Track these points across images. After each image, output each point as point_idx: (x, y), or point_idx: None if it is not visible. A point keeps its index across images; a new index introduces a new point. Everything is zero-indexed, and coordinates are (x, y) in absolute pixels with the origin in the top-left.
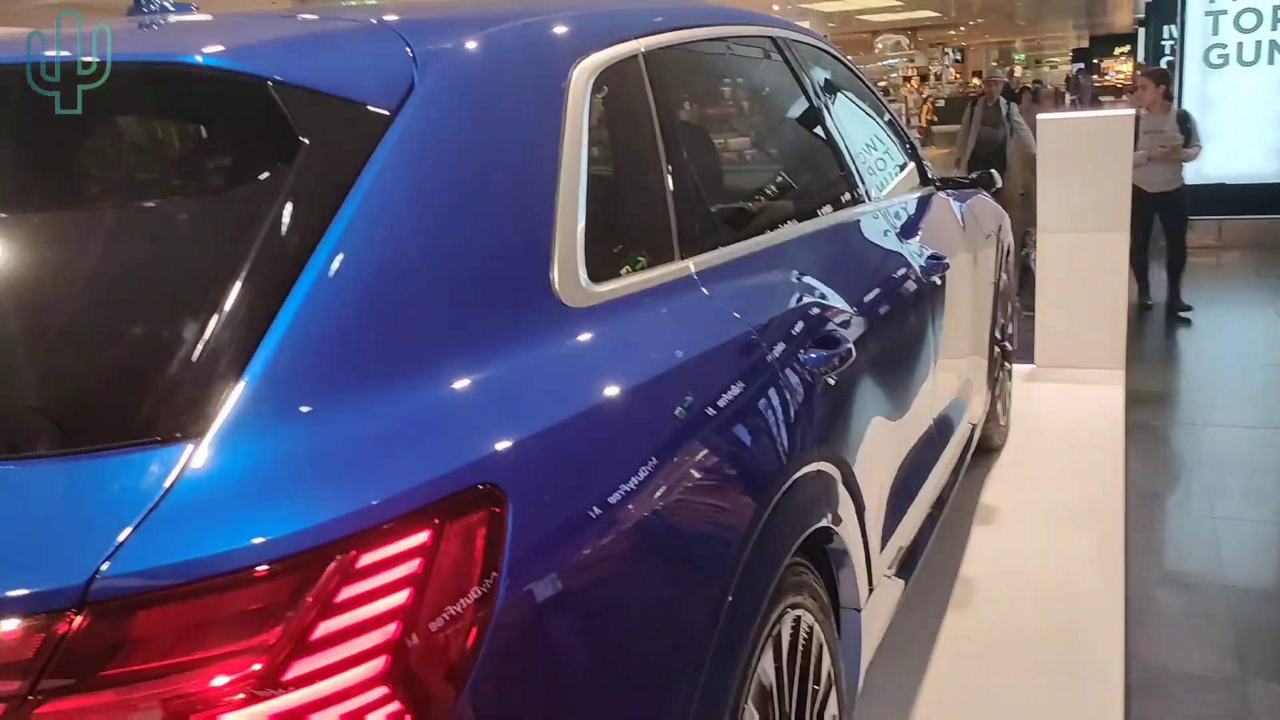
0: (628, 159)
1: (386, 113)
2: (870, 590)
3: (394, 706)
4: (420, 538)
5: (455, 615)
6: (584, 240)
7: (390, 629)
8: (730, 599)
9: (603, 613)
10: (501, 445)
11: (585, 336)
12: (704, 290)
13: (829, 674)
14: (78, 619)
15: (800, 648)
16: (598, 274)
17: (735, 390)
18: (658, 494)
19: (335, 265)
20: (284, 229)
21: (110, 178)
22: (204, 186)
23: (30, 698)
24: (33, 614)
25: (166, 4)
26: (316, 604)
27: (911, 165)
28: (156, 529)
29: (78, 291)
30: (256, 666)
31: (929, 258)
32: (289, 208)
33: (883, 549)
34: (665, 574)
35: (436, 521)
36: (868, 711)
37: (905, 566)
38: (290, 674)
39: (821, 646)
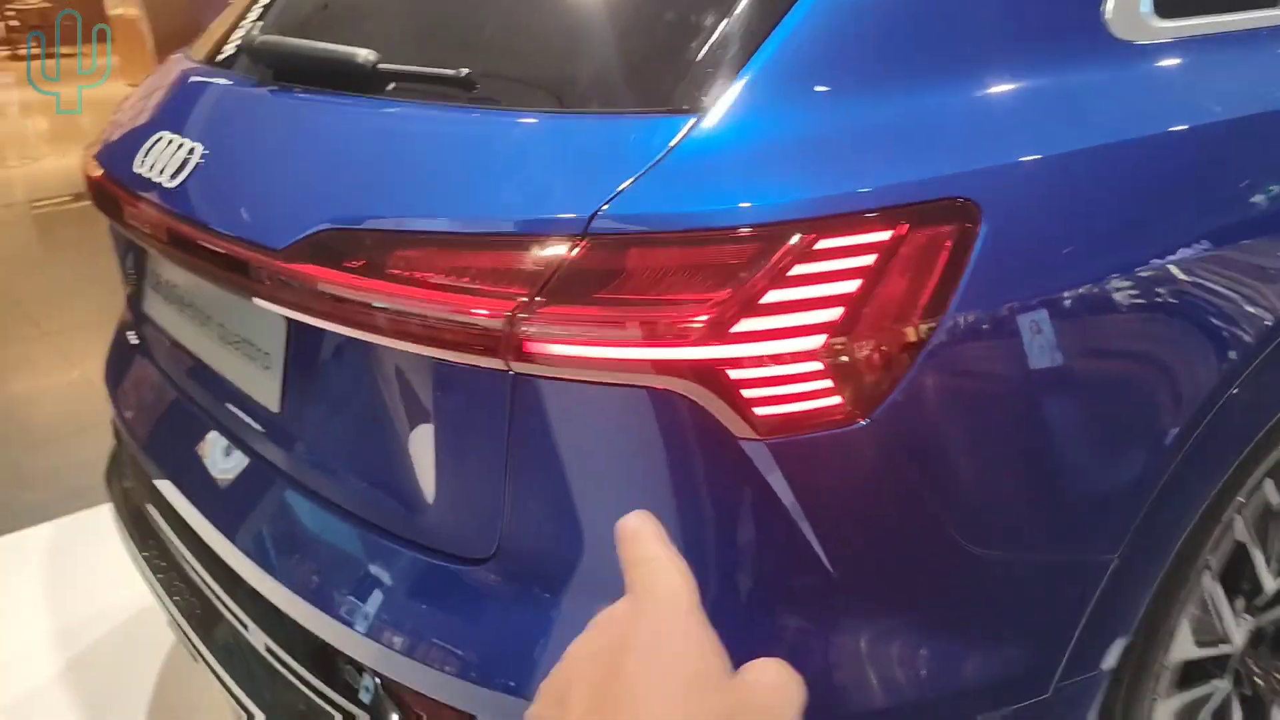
0: None
1: None
2: None
3: (824, 384)
4: (880, 236)
5: (899, 320)
6: None
7: (835, 313)
8: (1233, 392)
9: (1059, 373)
10: (991, 163)
11: (1135, 73)
12: None
13: None
14: (580, 245)
15: None
16: (1170, 9)
17: None
18: (1164, 264)
19: None
20: None
21: None
22: None
23: (537, 299)
24: (547, 236)
25: None
26: (770, 273)
27: None
28: (650, 183)
29: None
30: (708, 316)
31: None
32: None
33: None
34: (1149, 350)
35: (903, 223)
36: None
37: None
38: (737, 328)
39: None
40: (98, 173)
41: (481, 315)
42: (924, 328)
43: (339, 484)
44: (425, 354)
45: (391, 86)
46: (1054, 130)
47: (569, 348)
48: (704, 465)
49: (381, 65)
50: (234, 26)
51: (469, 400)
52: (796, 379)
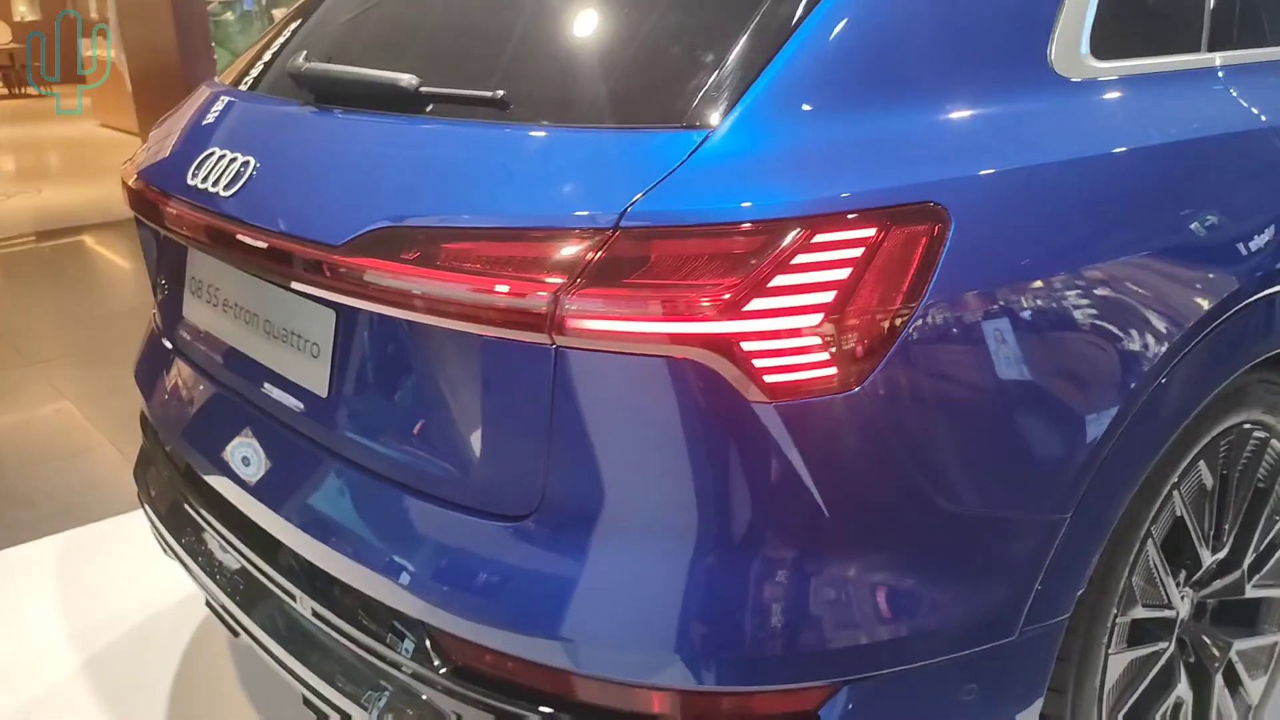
0: None
1: None
2: None
3: (822, 356)
4: (866, 233)
5: (882, 305)
6: (1095, 15)
7: (829, 296)
8: (1161, 381)
9: (1009, 358)
10: (957, 174)
11: (1071, 103)
12: (1229, 89)
13: None
14: (612, 237)
15: (1263, 472)
16: (1105, 51)
17: (1235, 186)
18: (1101, 267)
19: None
20: None
21: None
22: None
23: (577, 281)
24: (585, 229)
25: None
26: (775, 261)
27: None
28: (672, 186)
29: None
30: (723, 296)
31: None
32: None
33: None
34: (1092, 340)
35: (886, 222)
36: None
37: None
38: (748, 306)
39: None
40: (142, 187)
41: (529, 297)
42: (903, 312)
43: (384, 455)
44: (475, 333)
45: (430, 106)
46: (1007, 148)
47: (604, 323)
48: (721, 425)
49: (424, 88)
50: (261, 58)
51: (513, 373)
52: (799, 351)
